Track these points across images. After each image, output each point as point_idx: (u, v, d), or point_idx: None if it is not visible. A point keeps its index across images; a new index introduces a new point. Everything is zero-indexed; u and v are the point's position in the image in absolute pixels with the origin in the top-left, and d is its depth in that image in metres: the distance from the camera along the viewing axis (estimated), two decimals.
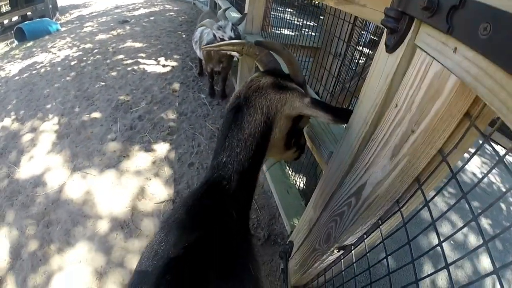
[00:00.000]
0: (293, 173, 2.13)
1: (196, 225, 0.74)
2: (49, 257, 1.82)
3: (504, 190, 2.87)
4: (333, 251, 1.01)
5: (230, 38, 2.36)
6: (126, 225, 1.97)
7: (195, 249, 0.68)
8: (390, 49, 0.67)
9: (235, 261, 0.74)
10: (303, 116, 0.93)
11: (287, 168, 2.16)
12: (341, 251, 1.01)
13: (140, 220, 2.00)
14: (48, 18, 9.36)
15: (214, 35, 2.43)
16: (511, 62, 0.36)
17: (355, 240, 0.94)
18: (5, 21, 10.90)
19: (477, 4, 0.42)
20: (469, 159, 0.52)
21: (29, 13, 10.67)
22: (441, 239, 0.55)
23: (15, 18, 10.91)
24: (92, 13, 9.66)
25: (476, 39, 0.41)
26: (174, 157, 2.47)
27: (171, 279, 0.61)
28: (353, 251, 0.94)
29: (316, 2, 1.33)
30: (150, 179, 2.25)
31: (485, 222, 2.45)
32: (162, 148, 2.55)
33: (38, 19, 8.67)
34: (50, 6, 10.88)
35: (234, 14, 3.32)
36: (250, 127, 0.83)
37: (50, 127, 3.12)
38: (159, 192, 2.20)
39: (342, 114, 0.87)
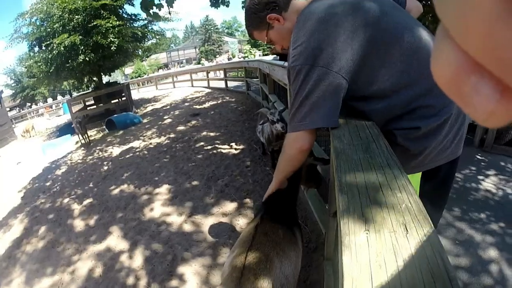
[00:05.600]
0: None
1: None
2: (172, 264, 3.05)
3: None
4: None
5: (278, 119, 3.69)
6: (222, 243, 3.19)
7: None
8: None
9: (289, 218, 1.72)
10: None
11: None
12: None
13: (232, 238, 3.22)
14: (129, 112, 11.79)
15: (267, 118, 3.81)
16: None
17: None
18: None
19: None
20: None
21: (111, 107, 13.42)
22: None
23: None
24: (164, 107, 12.01)
25: None
26: (252, 205, 3.78)
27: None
28: None
29: None
30: (238, 220, 3.54)
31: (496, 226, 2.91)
32: (244, 201, 3.88)
33: (124, 113, 11.03)
34: (129, 101, 13.63)
35: (280, 107, 4.87)
36: None
37: (161, 191, 4.62)
38: (244, 225, 3.44)
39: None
